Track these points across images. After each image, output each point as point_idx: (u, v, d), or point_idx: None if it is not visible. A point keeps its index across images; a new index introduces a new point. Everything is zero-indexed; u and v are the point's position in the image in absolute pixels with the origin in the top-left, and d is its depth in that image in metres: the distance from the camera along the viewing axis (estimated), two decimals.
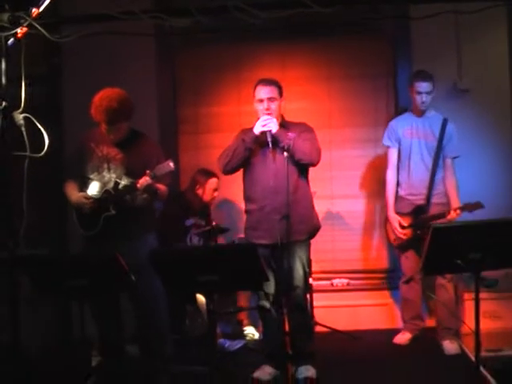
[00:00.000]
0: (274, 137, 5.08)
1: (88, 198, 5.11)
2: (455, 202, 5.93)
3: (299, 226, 5.17)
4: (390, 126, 6.23)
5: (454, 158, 6.06)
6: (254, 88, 5.26)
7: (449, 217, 5.78)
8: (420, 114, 6.08)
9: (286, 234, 4.94)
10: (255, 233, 5.24)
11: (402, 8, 6.50)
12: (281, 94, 5.28)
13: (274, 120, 5.12)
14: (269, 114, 5.16)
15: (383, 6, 6.50)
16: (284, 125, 5.26)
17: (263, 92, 5.20)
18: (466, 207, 5.77)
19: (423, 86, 5.92)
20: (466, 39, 6.70)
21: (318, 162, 5.28)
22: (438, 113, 6.11)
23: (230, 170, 5.34)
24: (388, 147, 6.21)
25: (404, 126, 6.12)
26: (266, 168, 5.19)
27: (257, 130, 5.13)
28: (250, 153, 5.20)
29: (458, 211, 5.78)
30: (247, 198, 5.40)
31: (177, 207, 6.25)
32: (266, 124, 5.08)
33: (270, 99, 5.18)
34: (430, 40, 6.67)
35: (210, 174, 6.47)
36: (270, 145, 5.07)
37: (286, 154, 4.97)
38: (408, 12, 6.44)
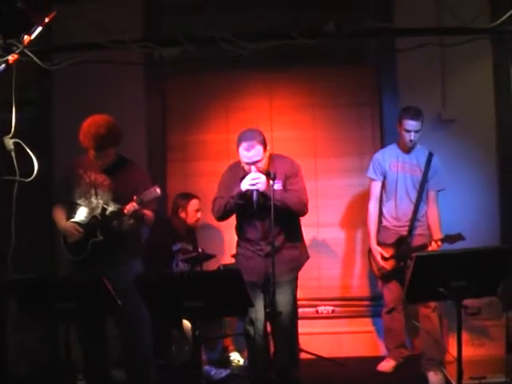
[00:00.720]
0: (261, 194, 5.05)
1: (78, 230, 5.15)
2: (437, 234, 5.94)
3: (287, 267, 5.24)
4: (375, 159, 6.20)
5: (439, 190, 6.09)
6: (238, 145, 5.13)
7: (430, 248, 5.78)
8: (407, 150, 6.06)
9: (274, 275, 4.93)
10: (244, 270, 5.27)
11: (388, 39, 6.61)
12: (265, 146, 5.17)
13: (263, 178, 5.04)
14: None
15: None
16: (270, 167, 5.20)
17: (247, 158, 5.09)
18: (447, 239, 5.78)
19: (412, 124, 5.87)
20: (451, 70, 6.75)
21: (304, 214, 5.34)
22: (423, 145, 6.10)
23: (223, 220, 5.40)
24: (372, 180, 6.21)
25: (390, 159, 6.10)
26: (253, 222, 5.24)
27: (244, 187, 5.06)
28: (239, 206, 5.19)
29: (439, 243, 5.80)
30: (238, 234, 5.48)
31: (163, 233, 6.26)
32: (254, 184, 5.02)
33: (256, 162, 5.10)
34: (415, 70, 6.72)
35: (190, 196, 6.51)
36: (255, 205, 5.04)
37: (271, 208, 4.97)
38: (394, 43, 6.54)
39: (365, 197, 6.65)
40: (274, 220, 4.95)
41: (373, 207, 6.19)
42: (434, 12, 5.89)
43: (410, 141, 5.94)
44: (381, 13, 6.66)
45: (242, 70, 6.94)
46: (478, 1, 5.93)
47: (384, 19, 6.29)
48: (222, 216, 5.30)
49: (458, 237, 5.71)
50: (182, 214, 6.46)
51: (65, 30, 5.77)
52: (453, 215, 6.24)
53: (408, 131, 5.90)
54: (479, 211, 6.68)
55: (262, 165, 5.15)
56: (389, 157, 6.13)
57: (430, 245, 5.82)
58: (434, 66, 6.75)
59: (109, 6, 5.69)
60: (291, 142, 6.91)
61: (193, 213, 6.48)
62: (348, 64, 7.05)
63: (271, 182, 4.95)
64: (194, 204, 6.48)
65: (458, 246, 5.62)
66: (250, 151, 5.07)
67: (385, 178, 6.13)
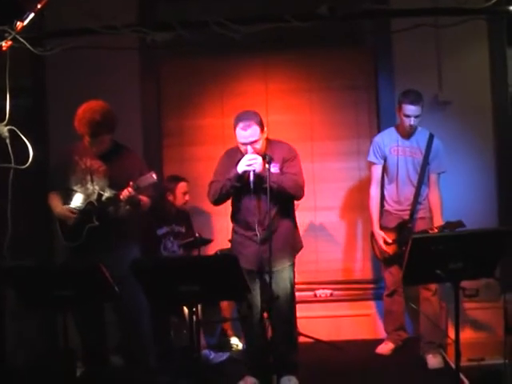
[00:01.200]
0: (257, 176, 5.05)
1: (73, 211, 5.15)
2: (438, 219, 5.93)
3: (281, 253, 5.21)
4: (375, 143, 6.16)
5: (440, 173, 6.07)
6: (234, 126, 5.15)
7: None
8: (407, 135, 6.03)
9: (269, 261, 4.93)
10: (240, 257, 5.27)
11: (384, 22, 6.59)
12: (262, 128, 5.18)
13: (259, 159, 5.05)
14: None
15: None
16: (268, 150, 5.22)
17: (244, 137, 5.10)
18: (448, 226, 5.75)
19: (412, 109, 5.82)
20: (446, 52, 6.74)
21: (301, 197, 5.35)
22: (422, 127, 6.09)
23: (219, 203, 5.38)
24: (372, 163, 6.18)
25: (390, 143, 6.07)
26: (249, 204, 5.19)
27: (240, 169, 5.07)
28: (235, 189, 5.20)
29: (440, 230, 5.78)
30: (234, 222, 5.48)
31: (149, 217, 6.22)
32: (251, 164, 5.02)
33: (253, 142, 5.12)
34: (411, 52, 6.71)
35: (178, 179, 6.50)
36: (252, 185, 5.02)
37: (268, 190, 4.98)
38: (389, 26, 6.53)
39: (362, 180, 6.68)
40: (270, 204, 4.96)
41: (374, 191, 6.18)
42: None
43: (410, 126, 5.90)
44: None
45: (237, 54, 6.94)
46: None
47: (379, 1, 6.26)
48: (218, 199, 5.28)
49: (459, 223, 5.66)
50: (170, 197, 6.45)
51: (57, 16, 5.74)
52: (450, 198, 6.21)
53: (408, 116, 5.85)
54: (476, 193, 6.69)
55: (259, 146, 5.15)
56: (389, 141, 6.09)
57: (430, 232, 5.78)
58: (430, 48, 6.74)
59: None
60: (287, 126, 6.91)
61: (180, 195, 6.47)
62: (344, 47, 7.05)
63: (267, 165, 4.94)
64: (181, 187, 6.47)
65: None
66: (246, 130, 5.08)
67: (385, 161, 6.11)
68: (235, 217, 5.43)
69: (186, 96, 7.13)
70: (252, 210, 5.18)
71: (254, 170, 5.02)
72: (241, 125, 5.10)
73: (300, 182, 5.25)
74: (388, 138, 6.12)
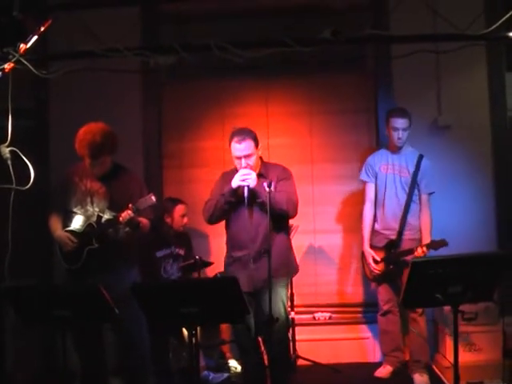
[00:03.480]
0: (251, 191, 5.11)
1: (72, 239, 5.15)
2: (426, 239, 5.96)
3: (276, 271, 5.15)
4: (367, 162, 6.29)
5: (430, 193, 6.10)
6: (230, 142, 5.28)
7: (416, 253, 5.80)
8: (396, 150, 6.13)
9: (264, 279, 4.98)
10: None
11: (384, 46, 6.64)
12: (257, 144, 5.29)
13: (253, 174, 5.14)
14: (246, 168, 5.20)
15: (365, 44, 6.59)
16: (262, 171, 5.30)
17: (239, 150, 5.21)
18: (431, 245, 5.80)
19: (399, 122, 5.96)
20: (446, 76, 6.78)
21: (294, 215, 5.37)
22: (416, 149, 6.15)
23: (214, 222, 5.44)
24: (365, 182, 6.28)
25: (381, 161, 6.18)
26: (243, 220, 5.25)
27: (234, 183, 5.15)
28: (230, 205, 5.25)
29: (424, 248, 5.81)
30: (228, 245, 5.51)
31: (147, 240, 6.20)
32: (245, 179, 5.09)
33: (247, 156, 5.21)
34: (411, 77, 6.74)
35: (176, 201, 6.50)
36: (246, 201, 5.10)
37: (262, 207, 5.04)
38: (390, 50, 6.57)
39: (361, 203, 6.65)
40: (269, 223, 5.01)
41: (367, 210, 6.25)
42: (430, 19, 5.90)
43: (399, 139, 6.01)
44: (377, 20, 6.70)
45: (238, 77, 6.97)
46: (472, 7, 5.95)
47: (380, 27, 6.32)
48: (213, 216, 5.34)
49: (442, 242, 5.73)
50: (168, 219, 6.45)
51: (61, 38, 5.78)
52: (449, 221, 6.25)
53: (396, 129, 5.99)
54: (475, 217, 6.69)
55: (253, 161, 5.24)
56: (379, 159, 6.21)
57: (416, 250, 5.83)
58: (430, 73, 6.78)
59: (105, 14, 5.69)
60: (288, 148, 6.93)
61: (178, 218, 6.46)
62: (344, 71, 7.09)
63: (267, 188, 4.96)
64: (179, 209, 6.47)
65: (454, 249, 5.54)
66: (241, 143, 5.19)
67: (376, 179, 6.19)
68: (229, 237, 5.46)
69: (187, 118, 7.15)
70: (245, 227, 5.23)
71: (248, 186, 5.07)
72: (236, 138, 5.21)
73: (294, 199, 5.29)
74: (379, 157, 6.24)
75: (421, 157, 6.08)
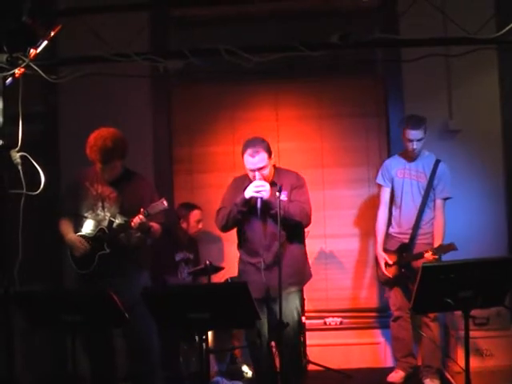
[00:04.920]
0: (264, 202, 5.09)
1: (83, 244, 5.16)
2: (437, 244, 5.93)
3: (287, 281, 5.15)
4: (384, 165, 6.30)
5: (446, 199, 6.09)
6: (243, 152, 5.23)
7: (425, 257, 5.80)
8: (411, 159, 6.13)
9: (277, 287, 4.93)
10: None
11: (394, 50, 6.62)
12: (270, 154, 5.24)
13: (267, 186, 5.09)
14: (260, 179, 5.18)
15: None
16: (276, 179, 5.26)
17: (252, 163, 5.16)
18: (440, 249, 5.80)
19: (413, 134, 5.94)
20: (457, 80, 6.77)
21: (307, 225, 5.35)
22: (431, 153, 6.15)
23: (227, 230, 5.43)
24: (381, 186, 6.28)
25: (398, 166, 6.18)
26: (257, 230, 5.24)
27: (248, 194, 5.11)
28: (242, 215, 5.23)
29: (433, 253, 5.80)
30: (241, 251, 5.48)
31: (166, 243, 6.23)
32: (259, 191, 5.06)
33: (261, 169, 5.17)
34: (421, 80, 6.72)
35: (192, 207, 6.53)
36: (259, 212, 5.10)
37: (275, 215, 4.99)
38: (400, 54, 6.56)
39: (371, 207, 6.66)
40: (280, 231, 4.96)
41: (382, 213, 6.26)
42: (440, 22, 5.88)
43: (413, 149, 6.01)
44: (387, 24, 6.69)
45: (247, 81, 6.97)
46: (483, 11, 5.93)
47: (390, 30, 6.31)
48: (226, 225, 5.32)
49: (450, 246, 5.72)
50: (184, 225, 6.47)
51: (70, 43, 5.80)
52: (460, 225, 6.23)
53: (410, 140, 5.98)
54: (486, 220, 6.67)
55: (267, 172, 5.20)
56: (396, 164, 6.22)
57: (426, 254, 5.82)
58: (440, 77, 6.77)
59: (115, 19, 5.69)
60: (298, 152, 6.93)
61: (194, 223, 6.49)
62: (354, 75, 7.07)
63: (277, 193, 4.95)
64: (195, 215, 6.50)
65: (465, 253, 5.51)
66: (254, 157, 5.14)
67: (392, 184, 6.20)
68: (241, 244, 5.45)
69: (196, 123, 7.16)
70: (258, 237, 5.22)
71: (261, 197, 5.06)
72: (249, 151, 5.16)
73: (307, 209, 5.26)
74: (396, 162, 6.24)
75: (438, 161, 6.09)
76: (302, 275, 5.42)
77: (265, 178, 5.17)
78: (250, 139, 5.28)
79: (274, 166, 5.39)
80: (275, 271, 4.97)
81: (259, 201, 5.07)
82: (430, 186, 6.05)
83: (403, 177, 6.15)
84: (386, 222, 6.24)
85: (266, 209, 5.11)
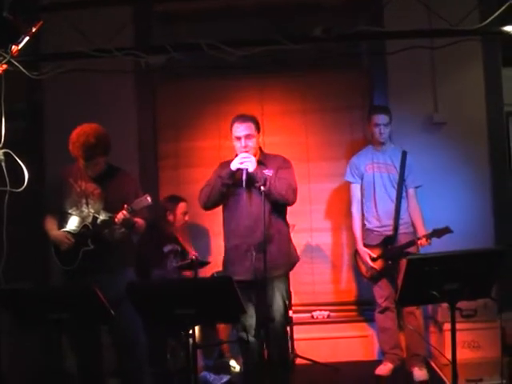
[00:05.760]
0: (250, 175, 5.10)
1: (68, 238, 5.14)
2: (421, 230, 6.01)
3: (276, 261, 5.18)
4: (351, 163, 6.34)
5: (417, 187, 6.17)
6: (231, 125, 5.30)
7: (419, 243, 5.88)
8: (379, 145, 6.19)
9: (263, 270, 4.95)
10: (233, 269, 5.26)
11: (379, 43, 6.62)
12: (258, 129, 5.31)
13: (253, 158, 5.14)
14: (247, 152, 5.20)
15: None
16: (262, 160, 5.30)
17: (240, 130, 5.23)
18: (435, 233, 5.84)
19: (380, 118, 6.07)
20: (442, 73, 6.78)
21: (293, 202, 5.33)
22: (415, 148, 6.23)
23: (210, 206, 5.40)
24: (351, 183, 6.32)
25: (365, 162, 6.23)
26: (241, 206, 5.24)
27: (234, 166, 5.15)
28: (227, 188, 5.23)
29: (428, 238, 5.85)
30: (225, 235, 5.45)
31: (153, 236, 6.22)
32: (244, 162, 5.10)
33: (247, 136, 5.22)
34: (406, 73, 6.73)
35: (178, 199, 6.51)
36: (244, 184, 5.10)
37: (261, 192, 5.03)
38: (384, 47, 6.56)
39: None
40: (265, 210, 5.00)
41: (355, 210, 6.30)
42: (424, 14, 5.89)
43: (380, 134, 6.11)
44: (371, 16, 6.68)
45: (233, 76, 6.95)
46: (466, 2, 5.92)
47: (374, 23, 6.31)
48: (209, 200, 5.33)
49: (446, 230, 5.80)
50: (170, 217, 6.45)
51: (53, 39, 5.77)
52: (446, 217, 6.20)
53: (377, 125, 6.09)
54: (472, 213, 6.68)
55: (253, 143, 5.25)
56: (364, 159, 6.27)
57: (419, 240, 5.87)
58: (425, 69, 6.78)
59: (97, 14, 5.67)
60: (283, 147, 6.88)
61: (180, 216, 6.47)
62: (338, 68, 7.07)
63: (264, 171, 5.07)
64: (181, 207, 6.48)
65: (451, 245, 5.53)
66: (242, 124, 5.23)
67: (362, 180, 6.24)
68: (226, 224, 5.42)
69: (181, 118, 7.15)
70: (243, 212, 5.22)
71: (246, 169, 5.07)
72: (237, 120, 5.28)
73: (293, 186, 5.29)
74: (363, 157, 6.29)
75: (405, 153, 6.15)
76: (289, 256, 5.41)
77: (250, 150, 5.21)
78: (239, 114, 5.39)
79: (261, 149, 5.43)
80: (261, 251, 4.98)
81: (244, 172, 5.08)
82: (401, 178, 6.12)
83: (373, 171, 6.19)
84: (360, 218, 6.28)
85: (251, 182, 5.12)
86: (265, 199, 5.01)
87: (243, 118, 5.29)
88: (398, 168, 6.12)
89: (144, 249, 6.08)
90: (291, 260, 5.45)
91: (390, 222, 6.10)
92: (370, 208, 6.21)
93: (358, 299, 7.03)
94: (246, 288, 4.97)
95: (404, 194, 6.14)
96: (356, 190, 6.29)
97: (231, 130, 5.30)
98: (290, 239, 5.50)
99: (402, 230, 6.10)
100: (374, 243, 6.15)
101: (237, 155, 5.26)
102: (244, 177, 5.09)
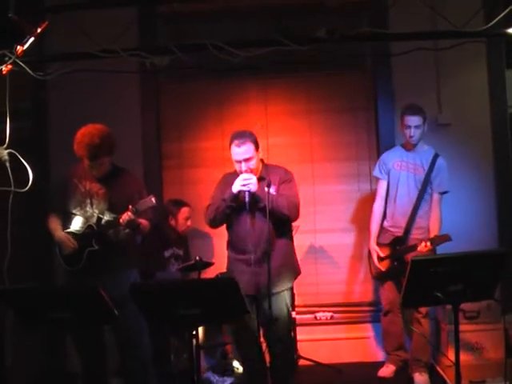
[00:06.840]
0: (252, 195, 5.07)
1: (72, 241, 5.15)
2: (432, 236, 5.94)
3: (278, 277, 5.17)
4: (381, 158, 6.29)
5: (443, 193, 6.09)
6: (230, 144, 5.22)
7: (419, 249, 5.80)
8: (410, 147, 6.11)
9: (267, 286, 4.95)
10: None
11: (383, 44, 6.62)
12: (257, 147, 5.24)
13: (254, 179, 5.08)
14: (247, 172, 5.16)
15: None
16: (264, 175, 5.25)
17: (239, 154, 5.16)
18: (434, 240, 5.79)
19: (412, 119, 5.94)
20: (445, 74, 6.78)
21: (296, 218, 5.33)
22: (431, 147, 6.16)
23: (216, 226, 5.41)
24: (378, 179, 6.27)
25: (395, 158, 6.17)
26: (245, 225, 5.21)
27: (235, 188, 5.10)
28: (231, 210, 5.21)
29: (428, 243, 5.78)
30: (229, 247, 5.47)
31: (155, 239, 6.22)
32: (246, 184, 5.05)
33: (247, 160, 5.16)
34: (410, 74, 6.74)
35: (180, 204, 6.52)
36: (247, 206, 5.09)
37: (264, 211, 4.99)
38: (389, 48, 6.56)
39: (362, 202, 6.67)
40: (269, 225, 4.98)
41: (377, 206, 6.25)
42: (428, 16, 5.89)
43: (411, 136, 5.99)
44: (375, 18, 6.70)
45: (236, 76, 6.96)
46: (471, 4, 5.92)
47: (378, 25, 6.30)
48: (214, 220, 5.31)
49: (445, 237, 5.72)
50: (172, 222, 6.47)
51: (58, 40, 5.79)
52: (450, 219, 6.20)
53: (408, 127, 5.97)
54: (477, 214, 6.70)
55: (253, 164, 5.20)
56: (393, 156, 6.21)
57: (419, 246, 5.82)
58: (430, 71, 6.78)
59: (102, 15, 5.69)
60: (287, 148, 6.92)
61: (183, 221, 6.49)
62: (343, 70, 7.07)
63: (266, 188, 4.95)
64: (184, 212, 6.49)
65: (454, 247, 5.47)
66: (240, 147, 5.14)
67: (389, 176, 6.18)
68: (230, 241, 5.43)
69: (185, 118, 7.15)
70: (247, 232, 5.19)
71: (249, 191, 5.04)
72: (235, 142, 5.17)
73: (296, 202, 5.24)
74: (393, 154, 6.23)
75: (436, 155, 6.08)
76: (291, 271, 5.40)
77: (251, 171, 5.16)
78: (237, 132, 5.30)
79: (263, 161, 5.38)
80: (264, 267, 4.97)
81: (247, 194, 5.06)
82: (427, 180, 6.03)
83: (400, 169, 6.12)
84: (381, 216, 6.23)
85: (254, 202, 5.09)
86: (268, 216, 4.97)
87: (241, 139, 5.17)
88: (426, 169, 6.05)
89: (147, 251, 6.09)
90: (293, 274, 5.45)
91: (404, 224, 6.06)
92: (391, 206, 6.16)
93: (362, 301, 7.00)
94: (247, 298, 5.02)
95: (427, 198, 6.06)
96: (382, 186, 6.23)
97: (230, 149, 5.23)
98: (293, 254, 5.48)
99: (414, 234, 6.02)
100: (385, 242, 6.13)
101: (238, 172, 5.24)
102: (247, 199, 5.07)
